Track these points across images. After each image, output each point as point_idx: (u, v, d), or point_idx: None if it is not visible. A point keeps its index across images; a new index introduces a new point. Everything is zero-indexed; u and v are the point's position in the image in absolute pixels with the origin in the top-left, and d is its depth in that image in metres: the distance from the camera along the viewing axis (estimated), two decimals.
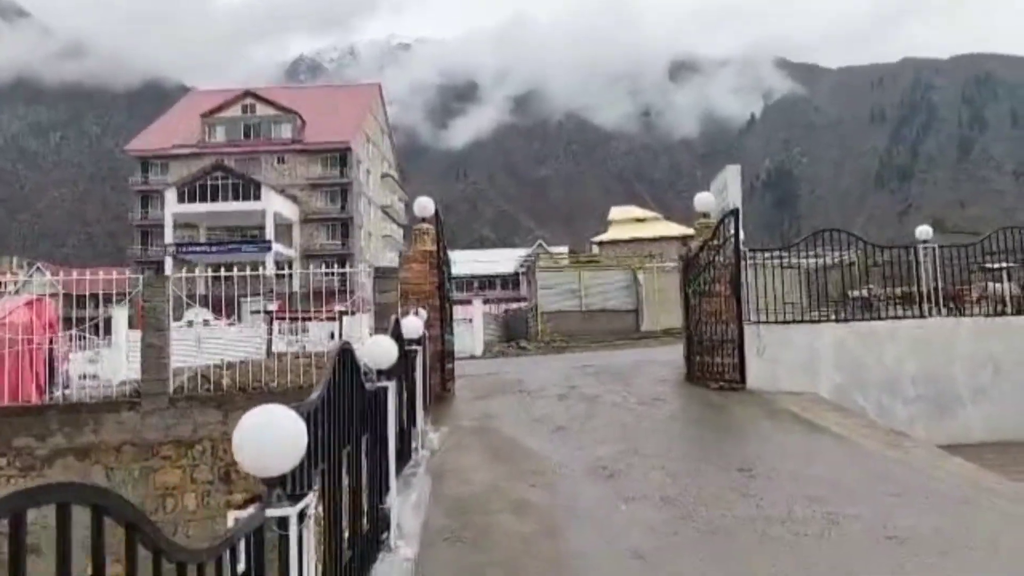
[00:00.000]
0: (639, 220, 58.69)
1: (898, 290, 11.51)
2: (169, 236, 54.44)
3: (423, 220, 9.71)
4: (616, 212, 62.38)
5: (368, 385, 4.63)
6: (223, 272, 11.18)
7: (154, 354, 7.68)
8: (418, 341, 7.36)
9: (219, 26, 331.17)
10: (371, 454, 4.53)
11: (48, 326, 10.02)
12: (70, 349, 11.89)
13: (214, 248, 52.78)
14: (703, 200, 10.50)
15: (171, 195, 54.65)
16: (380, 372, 4.80)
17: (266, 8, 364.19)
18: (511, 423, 8.41)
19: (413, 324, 7.18)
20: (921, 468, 7.26)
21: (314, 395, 3.06)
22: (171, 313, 8.37)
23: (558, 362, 15.82)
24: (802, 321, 10.69)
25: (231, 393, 7.97)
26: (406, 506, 5.23)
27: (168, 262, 52.45)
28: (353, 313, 14.85)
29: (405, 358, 6.91)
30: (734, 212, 9.64)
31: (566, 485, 6.32)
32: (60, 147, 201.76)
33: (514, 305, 38.64)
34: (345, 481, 3.78)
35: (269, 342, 12.25)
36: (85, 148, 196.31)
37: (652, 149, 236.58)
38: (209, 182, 54.90)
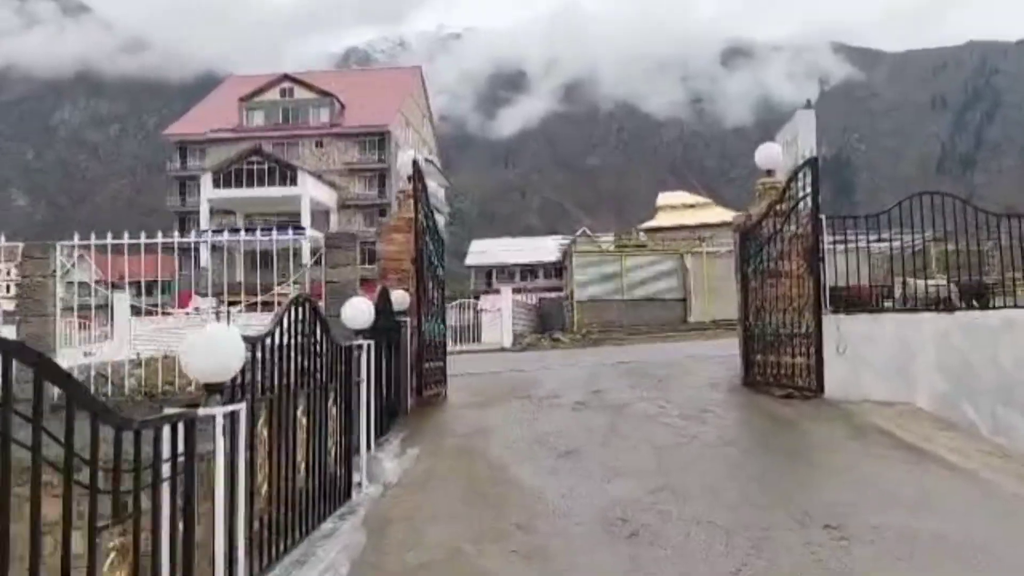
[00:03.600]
0: (689, 206, 55.83)
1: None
2: (205, 222, 53.56)
3: (409, 180, 7.66)
4: (664, 198, 59.53)
5: (169, 411, 2.58)
6: (161, 240, 9.31)
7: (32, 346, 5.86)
8: (368, 332, 5.30)
9: (272, 19, 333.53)
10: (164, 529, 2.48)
11: None
12: None
13: (248, 234, 51.60)
14: (768, 153, 8.16)
15: (207, 180, 53.74)
16: (211, 387, 2.74)
17: (319, 1, 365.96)
18: (506, 443, 6.30)
19: (358, 309, 5.13)
20: None
21: None
22: (57, 292, 6.52)
23: (589, 357, 13.64)
24: (894, 310, 8.31)
25: (132, 398, 6.08)
26: None
27: (204, 250, 51.56)
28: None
29: (344, 357, 4.87)
30: (811, 163, 7.30)
31: (562, 550, 4.19)
32: (119, 139, 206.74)
33: (553, 294, 36.45)
34: None
35: None
36: (143, 140, 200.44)
37: (703, 137, 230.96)
38: (245, 167, 53.79)
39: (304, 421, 4.02)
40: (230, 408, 2.76)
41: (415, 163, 7.25)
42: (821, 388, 7.28)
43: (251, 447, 3.25)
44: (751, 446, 6.37)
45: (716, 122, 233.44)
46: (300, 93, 61.61)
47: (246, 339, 3.06)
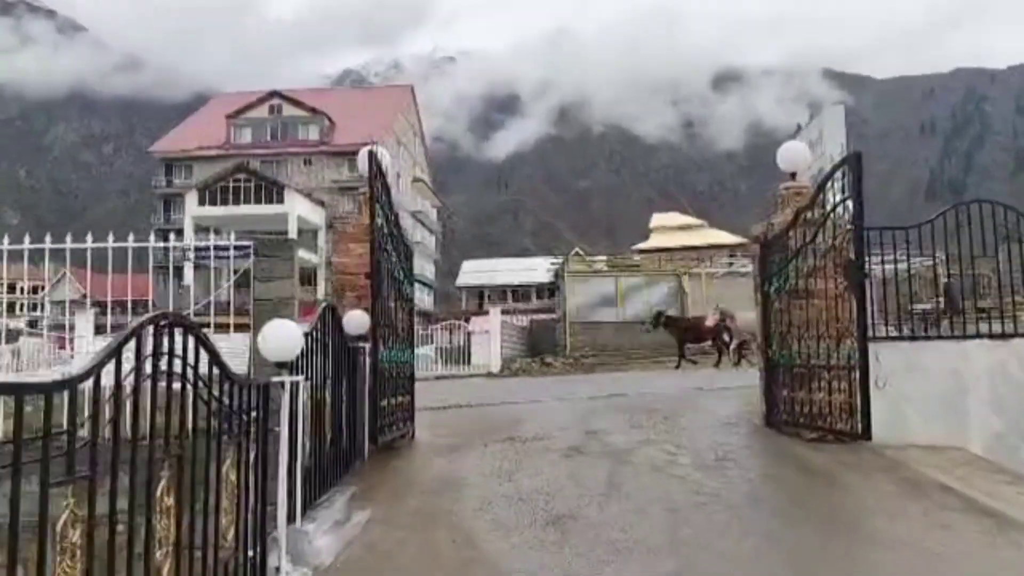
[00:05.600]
0: (683, 227, 54.83)
1: None
2: (189, 239, 52.28)
3: (370, 179, 6.44)
4: (658, 219, 58.53)
5: None
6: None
7: None
8: (293, 366, 4.05)
9: (268, 40, 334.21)
10: None
11: None
12: None
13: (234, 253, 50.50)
14: (791, 154, 6.96)
15: (191, 197, 52.53)
16: None
17: (315, 23, 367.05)
18: (480, 503, 5.02)
19: (279, 335, 3.88)
20: None
21: None
22: None
23: (583, 386, 12.37)
24: (939, 337, 7.10)
25: None
26: None
27: (188, 267, 50.25)
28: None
29: (257, 401, 3.61)
30: (851, 160, 6.09)
31: None
32: (113, 159, 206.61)
33: (545, 315, 35.21)
34: None
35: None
36: (136, 159, 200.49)
37: (695, 161, 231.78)
38: (231, 184, 52.61)
39: (170, 502, 2.76)
40: None
41: (372, 155, 6.03)
42: (868, 432, 6.03)
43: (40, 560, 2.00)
44: (786, 508, 5.10)
45: (707, 146, 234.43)
46: (289, 110, 60.61)
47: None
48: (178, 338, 2.83)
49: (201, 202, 52.52)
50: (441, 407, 9.26)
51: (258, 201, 52.34)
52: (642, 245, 53.03)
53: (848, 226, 5.98)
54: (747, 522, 4.78)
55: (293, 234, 52.79)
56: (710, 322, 16.19)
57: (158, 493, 2.68)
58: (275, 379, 3.83)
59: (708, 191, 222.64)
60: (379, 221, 5.95)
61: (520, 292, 69.32)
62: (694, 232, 53.14)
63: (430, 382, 16.61)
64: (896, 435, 6.75)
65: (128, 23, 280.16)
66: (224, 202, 52.38)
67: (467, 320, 27.15)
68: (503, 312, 25.36)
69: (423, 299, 67.06)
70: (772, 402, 7.03)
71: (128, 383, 2.49)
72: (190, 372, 2.89)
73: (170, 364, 2.74)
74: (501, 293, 69.78)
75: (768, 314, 7.08)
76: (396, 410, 6.33)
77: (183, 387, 2.86)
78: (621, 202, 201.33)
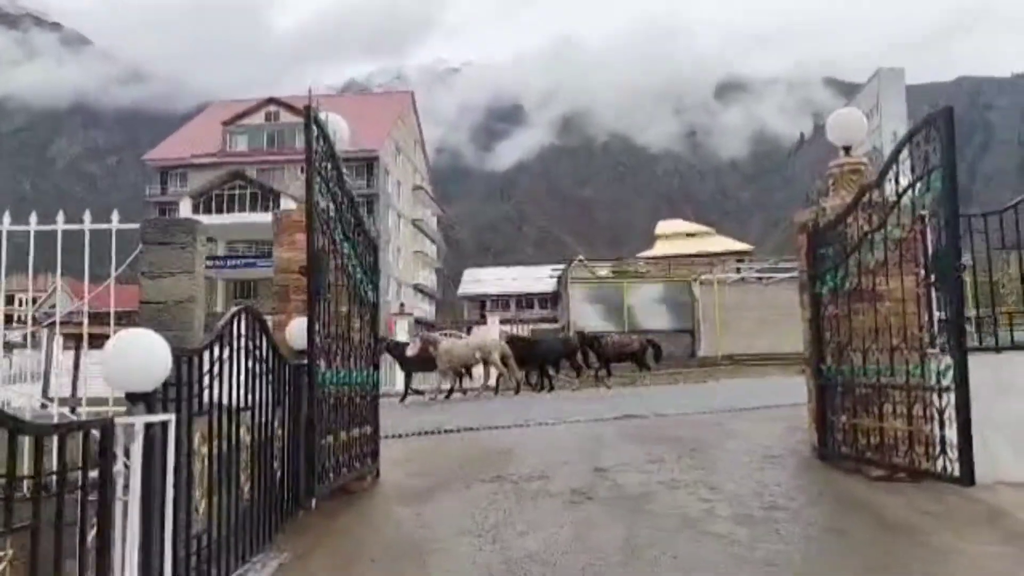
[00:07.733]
0: (689, 235, 53.48)
1: None
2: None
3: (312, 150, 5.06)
4: (664, 226, 57.22)
5: None
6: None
7: None
8: (148, 397, 2.70)
9: (273, 52, 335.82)
10: None
11: None
12: None
13: (229, 263, 49.46)
14: (845, 122, 5.62)
15: (185, 206, 51.39)
16: None
17: (320, 35, 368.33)
18: None
19: (132, 353, 2.53)
20: None
21: None
22: None
23: (588, 404, 11.00)
24: None
25: None
26: None
27: None
28: None
29: (82, 456, 2.27)
30: (939, 119, 4.71)
31: None
32: (116, 170, 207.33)
33: (548, 325, 33.84)
34: None
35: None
36: (139, 170, 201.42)
37: (699, 170, 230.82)
38: (226, 192, 51.60)
39: None
40: None
41: (309, 114, 4.68)
42: (969, 474, 4.63)
43: None
44: None
45: (711, 155, 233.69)
46: (286, 117, 59.42)
47: None
48: None
49: (195, 210, 51.33)
50: (419, 433, 7.92)
51: (253, 209, 51.19)
52: (648, 253, 51.70)
53: (931, 209, 4.63)
54: None
55: None
56: (411, 351, 14.80)
57: None
58: (120, 420, 2.50)
59: (711, 200, 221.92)
60: (322, 202, 4.61)
61: (523, 301, 67.90)
62: (701, 239, 51.84)
63: (424, 398, 15.27)
64: (982, 471, 5.38)
65: (133, 36, 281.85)
66: (219, 210, 51.29)
67: (468, 331, 25.85)
68: (504, 322, 24.04)
69: (425, 308, 65.66)
70: (827, 429, 5.65)
71: None
72: None
73: None
74: (504, 302, 68.39)
75: (820, 320, 5.72)
76: (350, 446, 4.95)
77: None
78: (624, 211, 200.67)
